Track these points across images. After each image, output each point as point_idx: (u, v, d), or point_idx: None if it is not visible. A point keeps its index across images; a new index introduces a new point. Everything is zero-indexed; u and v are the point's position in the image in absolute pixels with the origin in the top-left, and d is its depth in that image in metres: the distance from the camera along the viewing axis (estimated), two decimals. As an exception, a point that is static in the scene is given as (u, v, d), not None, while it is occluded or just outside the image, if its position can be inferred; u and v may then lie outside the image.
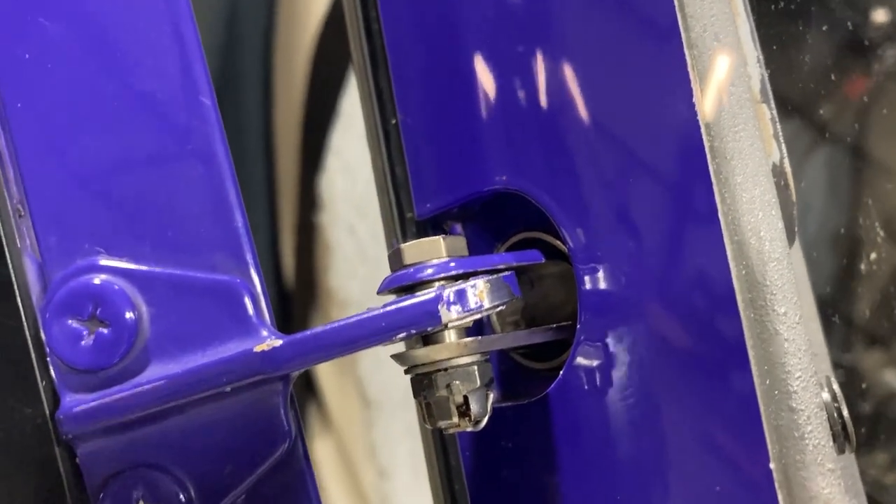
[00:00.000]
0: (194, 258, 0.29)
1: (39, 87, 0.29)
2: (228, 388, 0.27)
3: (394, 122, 0.33)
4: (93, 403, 0.28)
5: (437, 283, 0.26)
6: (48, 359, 0.29)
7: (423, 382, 0.26)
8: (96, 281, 0.28)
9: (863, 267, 0.54)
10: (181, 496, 0.28)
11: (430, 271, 0.26)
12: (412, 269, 0.26)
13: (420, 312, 0.25)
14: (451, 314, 0.25)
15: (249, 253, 0.29)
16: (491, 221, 0.32)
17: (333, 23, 0.75)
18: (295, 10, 0.78)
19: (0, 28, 0.29)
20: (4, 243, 0.29)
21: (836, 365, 0.51)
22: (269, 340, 0.27)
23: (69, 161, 0.29)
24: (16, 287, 0.29)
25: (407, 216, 0.33)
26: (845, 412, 0.27)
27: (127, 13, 0.29)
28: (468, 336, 0.27)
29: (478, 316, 0.26)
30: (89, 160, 0.29)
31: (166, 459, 0.28)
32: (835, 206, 0.56)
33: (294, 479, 0.28)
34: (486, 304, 0.25)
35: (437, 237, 0.27)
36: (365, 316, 0.25)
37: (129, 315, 0.28)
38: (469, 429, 0.26)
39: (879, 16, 0.55)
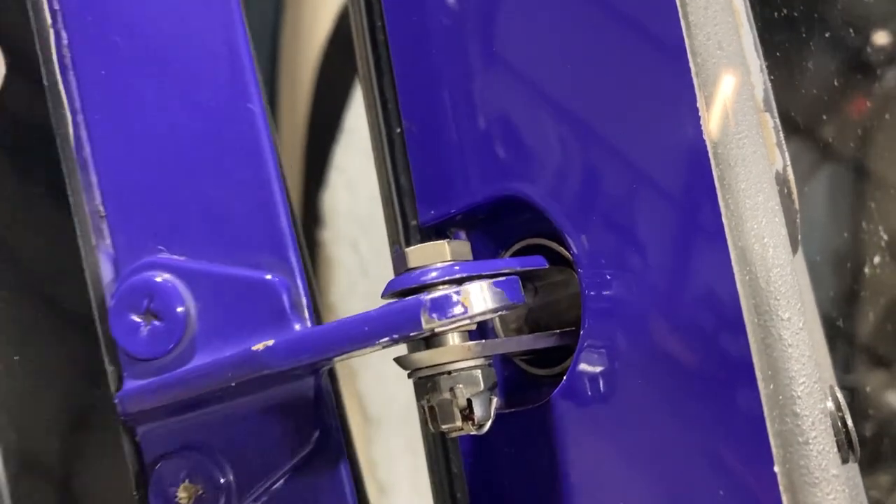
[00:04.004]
0: (242, 256, 0.31)
1: (112, 100, 0.32)
2: (234, 384, 0.28)
3: (399, 130, 0.33)
4: (139, 388, 0.31)
5: (440, 287, 0.26)
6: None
7: (427, 385, 0.26)
8: (151, 277, 0.31)
9: (865, 287, 0.54)
10: (221, 479, 0.30)
11: (433, 275, 0.26)
12: (416, 273, 0.27)
13: (401, 318, 0.26)
14: (434, 320, 0.25)
15: (292, 252, 0.31)
16: (495, 229, 0.32)
17: (337, 41, 0.76)
18: (299, 29, 0.79)
19: (85, 47, 0.32)
20: (80, 243, 0.32)
21: (839, 386, 0.51)
22: (267, 340, 0.28)
23: (136, 166, 0.32)
24: (89, 282, 0.32)
25: (411, 224, 0.33)
26: (849, 421, 0.27)
27: (187, 29, 0.32)
28: (472, 340, 0.27)
29: (465, 322, 0.26)
30: (152, 165, 0.32)
31: (210, 444, 0.31)
32: (838, 226, 0.57)
33: (327, 472, 0.30)
34: (473, 311, 0.25)
35: (441, 241, 0.27)
36: (350, 320, 0.27)
37: (179, 309, 0.31)
38: (472, 432, 0.26)
39: (880, 38, 0.55)
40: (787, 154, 0.28)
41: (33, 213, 0.37)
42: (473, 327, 0.28)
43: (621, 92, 0.27)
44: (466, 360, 0.26)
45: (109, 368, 0.32)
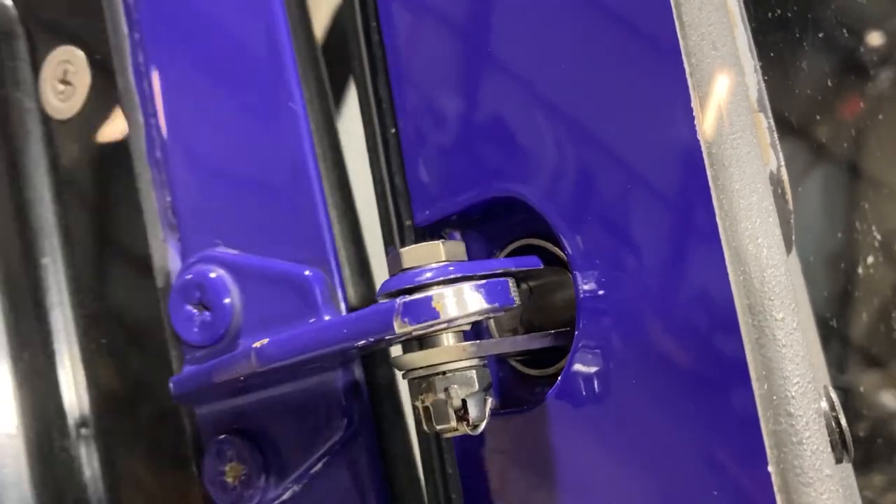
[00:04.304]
0: (286, 251, 0.33)
1: (179, 104, 0.34)
2: (242, 378, 0.30)
3: (393, 130, 0.33)
4: (187, 373, 0.33)
5: (435, 287, 0.26)
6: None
7: (422, 386, 0.26)
8: (204, 270, 0.33)
9: (859, 287, 0.54)
10: (262, 461, 0.33)
11: (428, 275, 0.26)
12: (410, 273, 0.26)
13: (376, 322, 0.26)
14: (407, 325, 0.25)
15: (329, 245, 0.32)
16: (489, 229, 0.32)
17: (331, 41, 0.75)
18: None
19: (158, 55, 0.35)
20: (150, 243, 0.35)
21: (833, 386, 0.51)
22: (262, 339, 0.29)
23: (199, 164, 0.34)
24: (157, 272, 0.35)
25: (406, 224, 0.33)
26: (843, 421, 0.27)
27: (239, 39, 0.34)
28: (466, 340, 0.27)
29: (442, 326, 0.26)
30: (210, 165, 0.34)
31: (254, 428, 0.33)
32: (831, 227, 0.57)
33: (358, 458, 0.32)
34: (448, 315, 0.25)
35: (436, 241, 0.27)
36: (333, 321, 0.28)
37: (226, 301, 0.33)
38: (467, 433, 0.26)
39: (874, 39, 0.55)
40: (781, 154, 0.28)
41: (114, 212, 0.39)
42: (468, 327, 0.27)
43: (616, 92, 0.27)
44: (461, 360, 0.26)
45: (173, 353, 0.34)
